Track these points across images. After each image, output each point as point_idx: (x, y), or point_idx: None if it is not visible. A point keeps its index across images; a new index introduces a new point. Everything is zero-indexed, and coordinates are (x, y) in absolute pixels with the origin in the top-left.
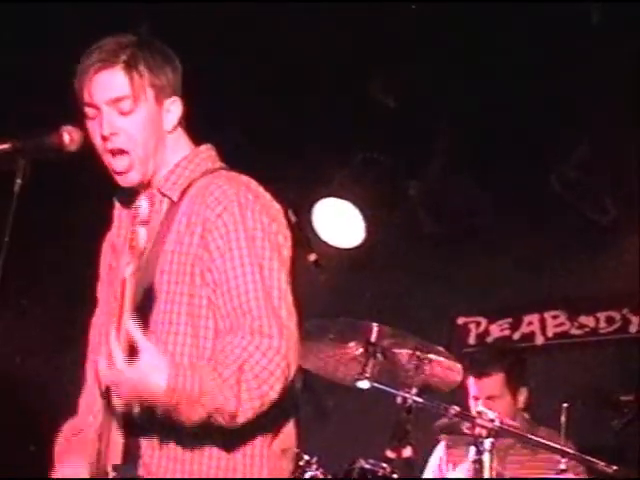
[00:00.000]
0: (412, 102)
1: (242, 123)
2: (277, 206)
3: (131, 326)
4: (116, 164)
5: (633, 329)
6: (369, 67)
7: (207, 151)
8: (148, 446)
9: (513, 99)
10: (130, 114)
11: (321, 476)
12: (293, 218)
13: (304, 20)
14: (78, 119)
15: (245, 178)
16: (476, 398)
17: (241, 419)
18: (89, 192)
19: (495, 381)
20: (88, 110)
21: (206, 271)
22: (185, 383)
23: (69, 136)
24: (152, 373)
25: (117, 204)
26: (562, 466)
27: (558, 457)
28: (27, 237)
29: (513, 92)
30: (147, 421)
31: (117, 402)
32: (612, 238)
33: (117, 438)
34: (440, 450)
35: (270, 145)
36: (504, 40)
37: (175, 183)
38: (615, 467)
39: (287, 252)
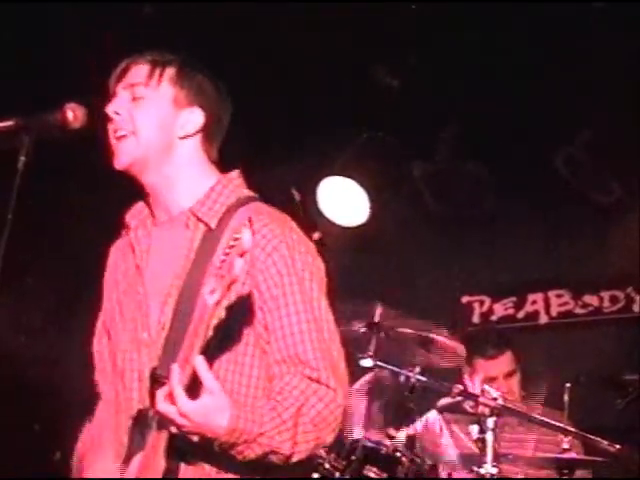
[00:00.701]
0: (416, 85)
1: (246, 105)
2: (310, 242)
3: (200, 363)
4: (115, 144)
5: (637, 308)
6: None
7: (238, 178)
8: (187, 472)
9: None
10: (139, 100)
11: (324, 454)
12: (297, 196)
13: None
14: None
15: (283, 215)
16: (494, 378)
17: (295, 459)
18: (93, 171)
19: (509, 357)
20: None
21: (257, 309)
22: (246, 424)
23: (73, 113)
24: (215, 414)
25: (132, 223)
26: (565, 445)
27: (560, 436)
28: (31, 214)
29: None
30: (191, 448)
31: (165, 429)
32: (616, 218)
33: (160, 462)
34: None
35: (276, 125)
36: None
37: (211, 209)
38: (618, 446)
39: (325, 286)
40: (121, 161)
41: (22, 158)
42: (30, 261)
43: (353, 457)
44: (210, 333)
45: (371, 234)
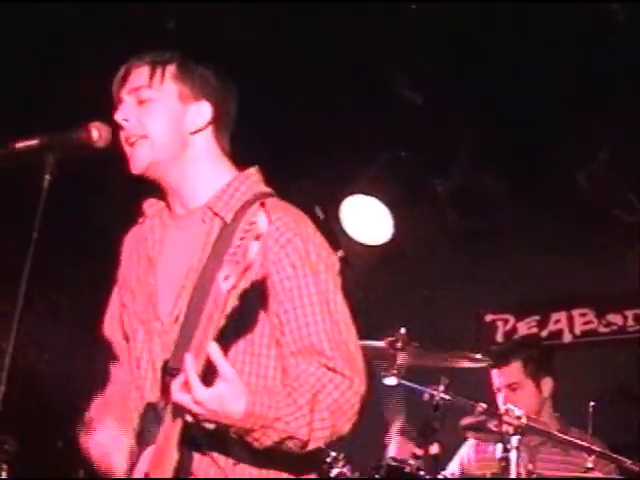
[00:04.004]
0: (433, 98)
1: (269, 123)
2: (324, 238)
3: (214, 350)
4: (129, 150)
5: None
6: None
7: (256, 174)
8: (202, 462)
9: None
10: (146, 102)
11: (348, 473)
12: (321, 215)
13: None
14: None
15: (298, 210)
16: (498, 389)
17: (311, 447)
18: (119, 187)
19: (513, 369)
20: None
21: (271, 301)
22: (262, 409)
23: (97, 132)
24: (231, 400)
25: (148, 211)
26: (589, 464)
27: (587, 456)
28: (56, 233)
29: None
30: (205, 438)
31: (181, 418)
32: None
33: (173, 453)
34: (469, 449)
35: (298, 144)
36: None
37: (227, 203)
38: None
39: (340, 280)
40: (137, 165)
41: (47, 177)
42: (57, 279)
43: (377, 475)
44: (224, 321)
45: (394, 252)
